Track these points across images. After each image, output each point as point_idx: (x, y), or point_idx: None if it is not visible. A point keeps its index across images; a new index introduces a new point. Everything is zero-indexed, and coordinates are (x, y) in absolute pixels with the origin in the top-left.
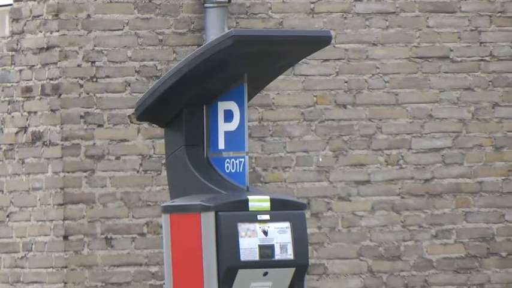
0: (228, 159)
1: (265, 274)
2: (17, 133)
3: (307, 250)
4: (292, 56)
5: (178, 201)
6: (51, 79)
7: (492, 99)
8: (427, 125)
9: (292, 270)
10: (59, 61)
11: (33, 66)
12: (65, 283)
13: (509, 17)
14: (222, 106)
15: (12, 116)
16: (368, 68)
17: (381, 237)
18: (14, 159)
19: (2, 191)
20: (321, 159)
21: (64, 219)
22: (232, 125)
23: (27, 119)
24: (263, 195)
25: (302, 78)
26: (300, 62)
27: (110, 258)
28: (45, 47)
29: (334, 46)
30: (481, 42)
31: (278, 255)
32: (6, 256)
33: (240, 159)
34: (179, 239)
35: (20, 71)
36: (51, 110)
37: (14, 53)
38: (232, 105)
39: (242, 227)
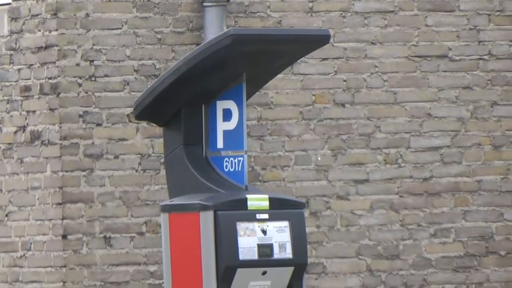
0: (226, 158)
1: (264, 273)
2: (15, 132)
3: (306, 249)
4: (290, 54)
5: (177, 201)
6: (50, 78)
7: (491, 98)
8: (426, 123)
9: (291, 269)
10: (58, 60)
11: (31, 65)
12: (64, 282)
13: (507, 15)
14: (221, 105)
15: (11, 115)
16: (367, 66)
17: (379, 236)
18: (13, 158)
19: (1, 190)
20: (319, 158)
21: (63, 219)
22: (231, 124)
23: (25, 118)
24: (262, 194)
25: (301, 77)
26: (298, 61)
27: (109, 258)
28: (43, 46)
29: (332, 45)
30: (479, 41)
31: (277, 254)
32: (5, 255)
33: (239, 158)
34: (178, 238)
35: (19, 70)
36: (50, 109)
37: (12, 52)
38: (231, 104)
39: (241, 226)
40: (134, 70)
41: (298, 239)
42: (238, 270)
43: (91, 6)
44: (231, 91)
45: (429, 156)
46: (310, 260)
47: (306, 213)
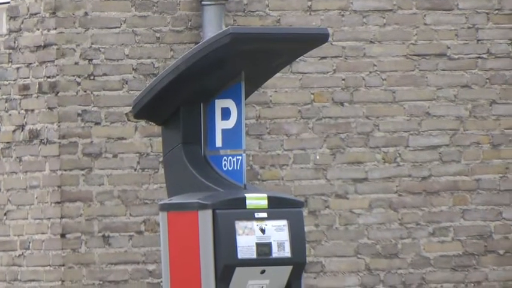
0: (225, 157)
1: (263, 272)
2: (14, 131)
3: (304, 248)
4: (289, 53)
5: (175, 199)
6: (49, 77)
7: (489, 97)
8: (425, 122)
9: (289, 268)
10: (56, 59)
11: (30, 64)
12: (63, 281)
13: (506, 14)
14: (220, 104)
15: (10, 114)
16: (365, 65)
17: (378, 235)
18: (11, 157)
19: (0, 189)
20: (318, 157)
21: (61, 217)
22: (230, 123)
23: (24, 117)
24: (260, 193)
25: (299, 75)
26: (297, 60)
27: (108, 256)
28: (42, 44)
29: (331, 44)
30: (478, 40)
31: (275, 253)
32: (3, 254)
33: (238, 157)
34: (176, 237)
35: (17, 68)
36: (49, 108)
37: (11, 50)
38: (229, 103)
39: (239, 225)
40: (133, 69)
41: (297, 237)
42: (237, 269)
43: (90, 5)
44: (229, 90)
45: (428, 155)
46: (308, 259)
47: (305, 212)
